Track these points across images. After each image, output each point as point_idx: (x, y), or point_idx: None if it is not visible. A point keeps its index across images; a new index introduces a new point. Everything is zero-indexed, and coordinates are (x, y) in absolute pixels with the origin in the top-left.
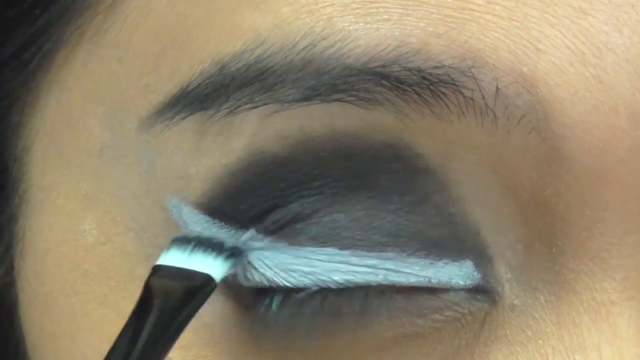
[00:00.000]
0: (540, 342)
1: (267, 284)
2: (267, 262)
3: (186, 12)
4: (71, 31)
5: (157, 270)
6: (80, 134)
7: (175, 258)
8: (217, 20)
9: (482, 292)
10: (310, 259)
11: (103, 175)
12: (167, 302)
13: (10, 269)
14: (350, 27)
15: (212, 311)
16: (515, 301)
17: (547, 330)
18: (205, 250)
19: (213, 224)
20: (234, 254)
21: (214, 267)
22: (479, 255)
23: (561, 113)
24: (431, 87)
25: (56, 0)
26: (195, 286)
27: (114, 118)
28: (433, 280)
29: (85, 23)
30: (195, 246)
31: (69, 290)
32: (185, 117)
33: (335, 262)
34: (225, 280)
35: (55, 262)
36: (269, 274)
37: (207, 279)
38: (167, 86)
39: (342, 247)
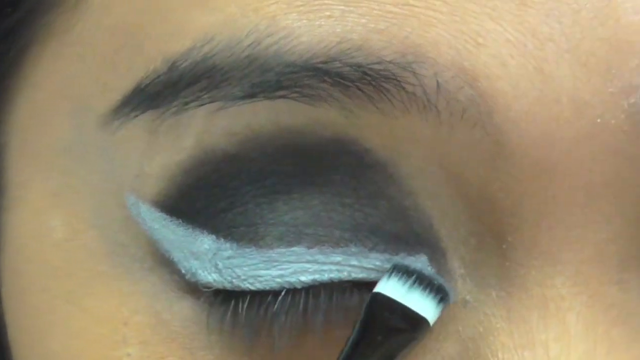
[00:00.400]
0: (491, 338)
1: (233, 288)
2: (237, 271)
3: (142, 10)
4: (40, 29)
5: (381, 300)
6: (49, 131)
7: (396, 290)
8: (170, 18)
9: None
10: (280, 261)
11: (69, 173)
12: (389, 341)
13: None
14: (294, 25)
15: (169, 308)
16: (468, 297)
17: (498, 326)
18: (424, 289)
19: (170, 221)
20: (444, 298)
21: (431, 309)
22: (433, 249)
23: (504, 106)
24: (373, 82)
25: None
26: (416, 333)
27: (77, 116)
28: None
29: (52, 21)
30: (415, 281)
31: (39, 286)
32: (138, 116)
33: (303, 262)
34: (183, 277)
35: (27, 258)
36: (237, 281)
37: (425, 324)
38: (124, 84)
39: (309, 246)
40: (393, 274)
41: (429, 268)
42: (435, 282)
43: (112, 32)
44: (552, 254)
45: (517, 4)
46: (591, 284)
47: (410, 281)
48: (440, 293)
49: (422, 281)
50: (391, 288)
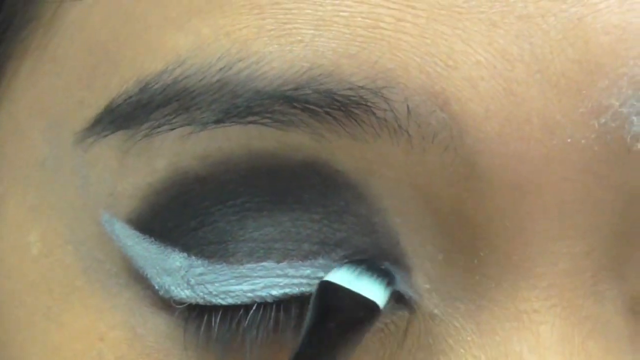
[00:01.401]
0: (461, 350)
1: (205, 304)
2: (208, 287)
3: (117, 29)
4: (17, 44)
5: (330, 288)
6: (25, 146)
7: (344, 277)
8: (144, 39)
9: (401, 301)
10: (251, 276)
11: (46, 188)
12: (341, 327)
13: None
14: (265, 50)
15: (144, 323)
16: (435, 310)
17: (469, 339)
18: (372, 275)
19: (143, 239)
20: (391, 282)
21: (379, 293)
22: (398, 264)
23: (475, 128)
24: (342, 108)
25: (1, 12)
26: (368, 318)
27: (53, 131)
28: None
29: (28, 37)
30: (363, 268)
31: (17, 301)
32: (108, 135)
33: (273, 276)
34: (156, 293)
35: (5, 273)
36: (209, 297)
37: (376, 308)
38: (98, 102)
39: (278, 260)
40: (344, 264)
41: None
42: (383, 267)
43: (88, 50)
44: (525, 268)
45: (487, 24)
46: (565, 296)
47: (359, 269)
48: (387, 277)
49: (370, 268)
50: (340, 276)
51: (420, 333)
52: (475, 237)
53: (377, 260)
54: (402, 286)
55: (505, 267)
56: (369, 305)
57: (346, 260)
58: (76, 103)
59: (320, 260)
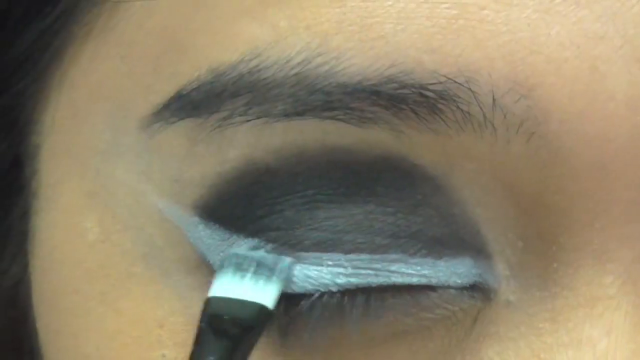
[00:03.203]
0: (532, 337)
1: None
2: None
3: (187, 16)
4: (79, 28)
5: (211, 305)
6: (85, 131)
7: (226, 286)
8: (217, 27)
9: (478, 289)
10: (317, 265)
11: (105, 173)
12: (223, 341)
13: (26, 266)
14: (345, 45)
15: None
16: (511, 297)
17: (541, 326)
18: (254, 274)
19: (207, 226)
20: (274, 272)
21: (265, 292)
22: (479, 252)
23: (559, 110)
24: (428, 104)
25: None
26: (253, 321)
27: (116, 116)
28: (433, 280)
29: (92, 21)
30: (244, 269)
31: (71, 288)
32: (177, 122)
33: (340, 266)
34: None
35: (59, 259)
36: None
37: (262, 309)
38: (166, 88)
39: (347, 252)
40: (223, 271)
41: (473, 270)
42: (262, 261)
43: (156, 35)
44: (603, 252)
45: (571, 4)
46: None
47: (242, 273)
48: (264, 273)
49: (252, 268)
50: (223, 287)
51: (490, 321)
52: (556, 224)
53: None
54: (482, 274)
55: (584, 252)
56: (258, 310)
57: (424, 253)
58: (142, 88)
59: (393, 255)
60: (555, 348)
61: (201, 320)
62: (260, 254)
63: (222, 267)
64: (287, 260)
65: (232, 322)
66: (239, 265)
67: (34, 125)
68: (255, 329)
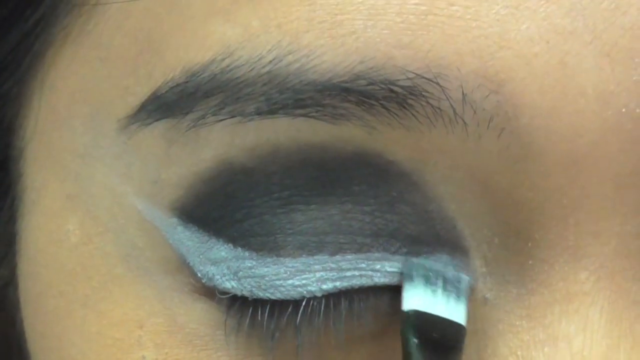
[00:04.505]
0: (509, 335)
1: (252, 297)
2: (257, 280)
3: (162, 17)
4: (58, 31)
5: (417, 318)
6: (65, 134)
7: (423, 300)
8: (190, 28)
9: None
10: (304, 271)
11: (85, 176)
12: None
13: (14, 269)
14: (316, 42)
15: (185, 310)
16: (488, 295)
17: (517, 323)
18: (444, 290)
19: (187, 228)
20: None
21: (459, 312)
22: (455, 248)
23: (530, 106)
24: (398, 99)
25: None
26: (459, 342)
27: (96, 119)
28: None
29: (70, 23)
30: (432, 284)
31: (55, 290)
32: (153, 123)
33: (327, 270)
34: (199, 280)
35: (43, 262)
36: (257, 290)
37: (464, 330)
38: (143, 90)
39: (332, 253)
40: (414, 283)
41: (450, 267)
42: (452, 280)
43: (133, 37)
44: (578, 248)
45: (541, 0)
46: (615, 279)
47: (433, 287)
48: (455, 287)
49: (440, 282)
50: (420, 301)
51: (470, 319)
52: (530, 220)
53: (446, 270)
54: (459, 270)
55: (559, 249)
56: (458, 329)
57: (404, 251)
58: (120, 90)
59: (376, 253)
60: (532, 345)
61: (407, 332)
62: (441, 267)
63: (410, 277)
64: (466, 280)
65: (440, 340)
66: (427, 279)
67: (18, 128)
68: (460, 351)
